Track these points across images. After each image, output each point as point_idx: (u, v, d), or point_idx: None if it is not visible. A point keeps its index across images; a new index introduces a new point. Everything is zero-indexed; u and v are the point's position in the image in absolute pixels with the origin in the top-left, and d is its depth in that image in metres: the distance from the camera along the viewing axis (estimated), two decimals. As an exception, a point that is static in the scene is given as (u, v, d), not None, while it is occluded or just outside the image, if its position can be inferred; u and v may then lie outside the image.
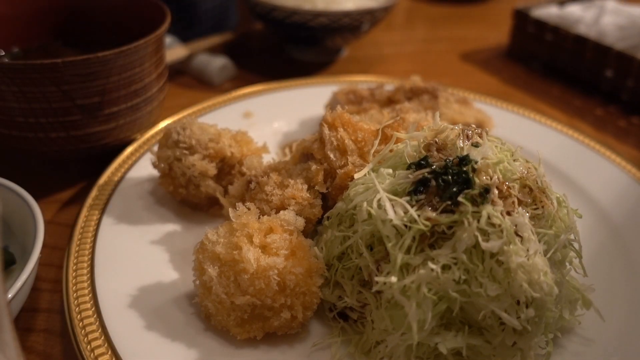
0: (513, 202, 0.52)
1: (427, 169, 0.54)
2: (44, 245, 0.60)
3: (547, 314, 0.53)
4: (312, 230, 0.67)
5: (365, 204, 0.54)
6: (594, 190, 0.81)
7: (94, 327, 0.56)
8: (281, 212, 0.61)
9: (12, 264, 0.63)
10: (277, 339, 0.58)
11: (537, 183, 0.56)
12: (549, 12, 1.33)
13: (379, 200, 0.54)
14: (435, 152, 0.57)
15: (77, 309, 0.57)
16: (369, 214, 0.54)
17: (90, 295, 0.59)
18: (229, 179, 0.74)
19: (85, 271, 0.62)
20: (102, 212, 0.71)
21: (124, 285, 0.62)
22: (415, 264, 0.50)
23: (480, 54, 1.43)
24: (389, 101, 0.88)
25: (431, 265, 0.49)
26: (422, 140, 0.59)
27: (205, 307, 0.58)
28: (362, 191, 0.57)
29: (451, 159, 0.55)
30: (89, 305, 0.58)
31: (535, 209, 0.54)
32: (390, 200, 0.53)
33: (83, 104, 0.72)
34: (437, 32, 1.61)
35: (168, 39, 1.17)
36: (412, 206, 0.52)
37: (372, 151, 0.65)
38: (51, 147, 0.76)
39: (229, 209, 0.60)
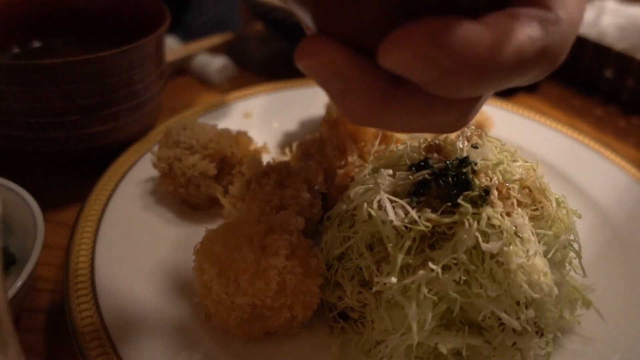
0: (513, 203, 0.52)
1: (428, 171, 0.54)
2: (44, 245, 0.60)
3: (547, 314, 0.53)
4: (312, 230, 0.67)
5: (365, 205, 0.55)
6: (594, 191, 0.81)
7: (94, 327, 0.56)
8: (281, 212, 0.61)
9: (12, 264, 0.63)
10: (277, 339, 0.58)
11: (536, 184, 0.56)
12: (549, 12, 1.33)
13: (379, 201, 0.54)
14: (435, 154, 0.57)
15: (77, 309, 0.57)
16: (370, 215, 0.54)
17: (90, 296, 0.59)
18: (229, 179, 0.74)
19: (85, 271, 0.62)
20: (102, 212, 0.71)
21: (124, 285, 0.62)
22: (416, 265, 0.51)
23: (480, 54, 1.42)
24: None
25: (431, 265, 0.49)
26: (422, 141, 0.59)
27: (205, 307, 0.58)
28: (362, 192, 0.57)
29: (451, 160, 0.55)
30: (89, 305, 0.58)
31: (534, 209, 0.55)
32: (391, 201, 0.53)
33: (83, 104, 0.72)
34: (437, 32, 1.61)
35: (168, 39, 1.17)
36: (412, 207, 0.52)
37: (372, 151, 0.65)
38: (51, 147, 0.76)
39: (229, 209, 0.60)
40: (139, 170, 0.79)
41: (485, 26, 0.30)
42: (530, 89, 1.22)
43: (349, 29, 0.32)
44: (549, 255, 0.55)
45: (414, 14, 0.29)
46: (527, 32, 0.31)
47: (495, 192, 0.52)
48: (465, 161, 0.54)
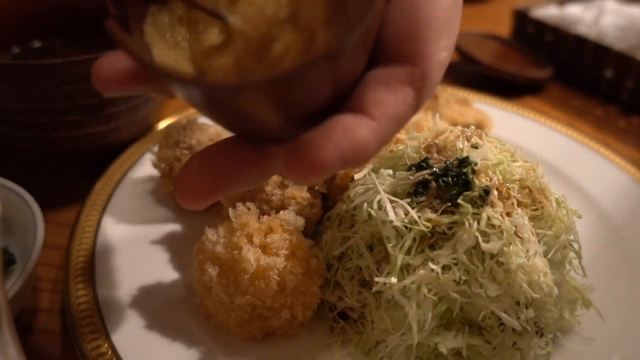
0: (512, 203, 0.52)
1: (428, 171, 0.54)
2: (44, 245, 0.60)
3: (547, 314, 0.53)
4: (312, 230, 0.67)
5: (365, 205, 0.55)
6: (594, 190, 0.81)
7: (94, 327, 0.56)
8: (281, 212, 0.61)
9: (12, 264, 0.63)
10: (277, 339, 0.58)
11: (536, 184, 0.56)
12: (548, 13, 1.34)
13: (379, 201, 0.54)
14: (435, 154, 0.57)
15: (77, 308, 0.57)
16: (370, 215, 0.54)
17: (90, 296, 0.59)
18: (229, 179, 0.74)
19: (85, 271, 0.62)
20: (102, 212, 0.71)
21: (124, 285, 0.62)
22: (416, 265, 0.51)
23: (480, 54, 1.42)
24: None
25: (431, 265, 0.49)
26: (422, 142, 0.59)
27: (205, 307, 0.58)
28: (362, 192, 0.57)
29: (451, 160, 0.55)
30: (89, 305, 0.58)
31: (534, 209, 0.55)
32: (391, 201, 0.53)
33: (83, 104, 0.72)
34: (437, 32, 1.60)
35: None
36: (412, 207, 0.52)
37: (372, 151, 0.65)
38: (51, 147, 0.76)
39: (229, 209, 0.60)
40: (139, 170, 0.79)
41: (371, 120, 0.33)
42: (535, 92, 1.22)
43: (252, 136, 0.36)
44: (549, 255, 0.55)
45: (307, 120, 0.32)
46: (405, 101, 0.35)
47: (495, 192, 0.52)
48: (465, 161, 0.54)
